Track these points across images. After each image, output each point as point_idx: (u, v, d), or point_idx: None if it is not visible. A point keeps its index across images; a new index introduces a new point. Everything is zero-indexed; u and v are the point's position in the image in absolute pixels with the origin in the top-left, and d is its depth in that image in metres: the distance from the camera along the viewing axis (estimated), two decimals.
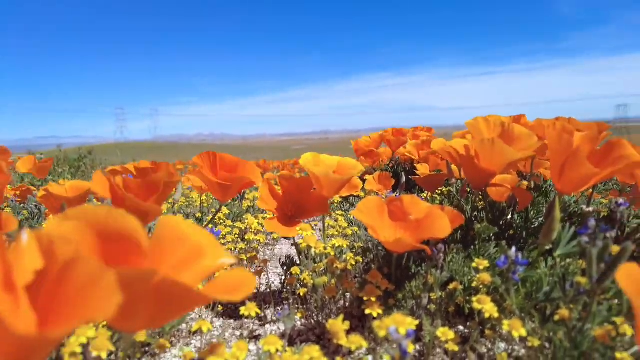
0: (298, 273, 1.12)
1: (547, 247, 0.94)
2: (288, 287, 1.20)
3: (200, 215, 1.99)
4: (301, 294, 1.11)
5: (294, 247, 1.82)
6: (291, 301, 1.21)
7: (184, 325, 1.15)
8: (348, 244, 1.27)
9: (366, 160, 3.11)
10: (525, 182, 1.35)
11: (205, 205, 2.42)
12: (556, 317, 0.88)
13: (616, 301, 0.90)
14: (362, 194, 2.50)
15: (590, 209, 1.16)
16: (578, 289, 0.83)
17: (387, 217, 0.96)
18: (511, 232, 1.17)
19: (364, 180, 2.56)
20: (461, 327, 1.14)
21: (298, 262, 1.30)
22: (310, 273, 1.13)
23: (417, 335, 1.08)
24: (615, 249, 0.99)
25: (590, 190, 1.25)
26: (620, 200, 1.04)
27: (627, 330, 0.81)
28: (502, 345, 1.11)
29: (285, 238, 2.22)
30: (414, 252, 1.11)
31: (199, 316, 1.22)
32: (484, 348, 1.08)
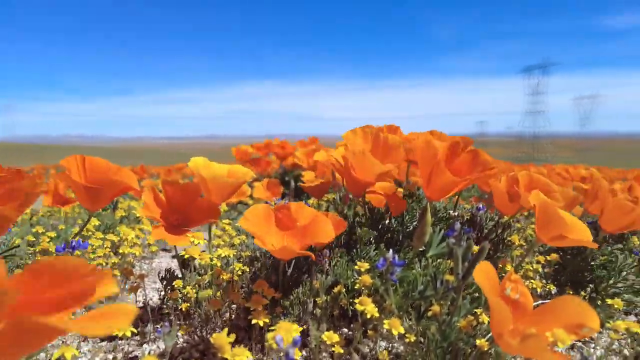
0: (180, 286, 1.06)
1: (421, 249, 1.02)
2: (169, 303, 1.12)
3: (63, 227, 1.77)
4: (183, 309, 1.04)
5: (175, 260, 1.71)
6: (173, 317, 1.14)
7: (42, 355, 1.00)
8: (235, 253, 1.23)
9: (253, 167, 3.09)
10: (401, 189, 1.46)
11: (71, 215, 2.16)
12: (429, 313, 0.96)
13: (477, 294, 1.01)
14: (251, 201, 2.47)
15: (456, 213, 1.30)
16: (447, 286, 0.92)
17: (274, 225, 0.95)
18: (389, 235, 1.25)
19: (252, 188, 2.53)
20: (346, 330, 1.18)
21: (180, 276, 1.23)
22: (194, 286, 1.07)
23: (303, 341, 1.09)
24: (476, 248, 1.12)
25: (457, 197, 1.40)
26: (480, 206, 1.18)
27: (485, 319, 0.92)
28: (383, 343, 1.17)
29: (165, 250, 2.09)
30: (301, 258, 1.13)
31: (62, 341, 1.08)
32: (366, 348, 1.13)
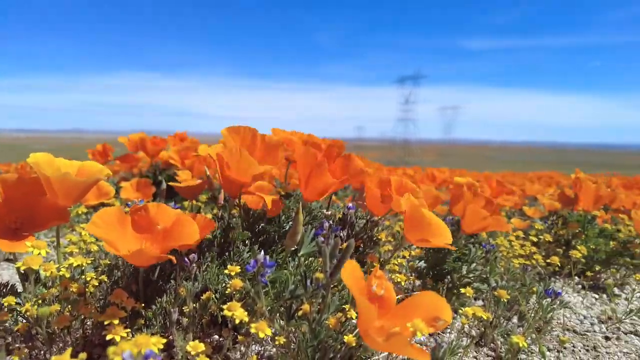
0: (13, 303, 0.90)
1: (293, 248, 1.02)
2: (6, 324, 0.95)
3: None
4: (21, 331, 0.89)
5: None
6: (9, 339, 0.97)
7: None
8: (91, 262, 1.10)
9: (122, 165, 2.82)
10: (280, 190, 1.45)
11: None
12: (300, 313, 0.95)
13: (345, 291, 1.04)
14: (117, 203, 2.25)
15: (329, 212, 1.32)
16: (317, 284, 0.93)
17: (130, 229, 0.86)
18: (265, 236, 1.23)
19: (120, 188, 2.31)
20: (217, 337, 1.13)
21: (21, 290, 1.05)
22: (36, 302, 0.92)
23: (169, 353, 1.01)
24: (345, 246, 1.15)
25: (330, 197, 1.43)
26: (350, 205, 1.23)
27: (353, 314, 0.95)
28: (257, 347, 1.15)
29: (8, 260, 1.79)
30: (167, 264, 1.05)
31: None
32: (238, 353, 1.09)
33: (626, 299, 1.79)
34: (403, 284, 1.20)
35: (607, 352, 1.33)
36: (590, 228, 1.95)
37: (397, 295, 1.09)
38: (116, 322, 0.81)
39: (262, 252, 0.88)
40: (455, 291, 1.35)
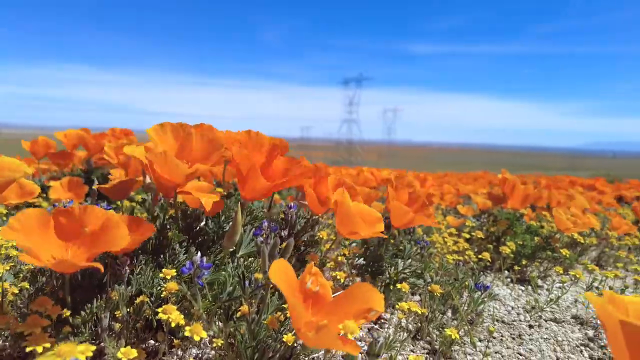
0: None
1: (232, 249, 1.00)
2: None
3: None
4: None
5: None
6: None
7: None
8: (9, 267, 1.02)
9: (56, 163, 2.63)
10: (219, 189, 1.42)
11: None
12: (238, 314, 0.94)
13: None
14: (45, 204, 2.10)
15: (271, 212, 1.32)
16: (257, 284, 0.92)
17: (53, 233, 0.81)
18: (204, 237, 1.20)
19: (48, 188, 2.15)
20: (152, 341, 1.09)
21: None
22: None
23: None
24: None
25: (272, 196, 1.43)
26: (291, 204, 1.23)
27: None
28: (195, 350, 1.12)
29: None
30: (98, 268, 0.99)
31: None
32: (175, 358, 1.06)
33: (547, 289, 1.93)
34: (343, 280, 1.22)
35: (530, 339, 1.43)
36: (518, 225, 2.09)
37: (338, 292, 1.11)
38: (38, 331, 0.76)
39: (199, 254, 0.86)
40: (392, 287, 1.40)
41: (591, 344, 1.41)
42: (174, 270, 0.93)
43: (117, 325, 0.92)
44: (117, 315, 0.92)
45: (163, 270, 0.92)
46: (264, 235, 0.88)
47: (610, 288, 1.80)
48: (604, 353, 1.36)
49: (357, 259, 1.38)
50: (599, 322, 1.58)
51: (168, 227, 1.17)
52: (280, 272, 0.68)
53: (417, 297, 1.69)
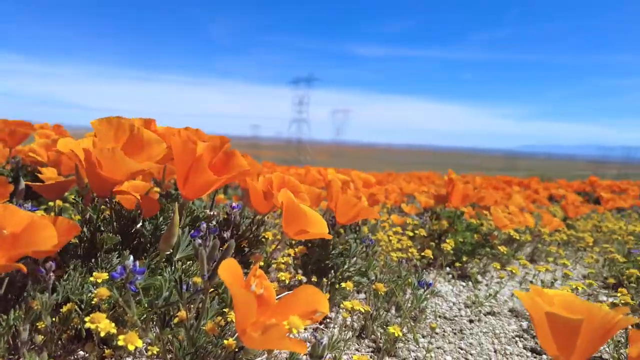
0: None
1: (169, 252, 0.96)
2: None
3: None
4: None
5: None
6: None
7: None
8: None
9: None
10: (157, 189, 1.36)
11: None
12: (176, 320, 0.90)
13: (226, 294, 1.01)
14: None
15: (213, 212, 1.27)
16: (195, 289, 0.88)
17: None
18: (140, 240, 1.14)
19: None
20: (82, 352, 1.01)
21: None
22: None
23: None
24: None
25: (214, 195, 1.38)
26: (234, 204, 1.19)
27: (233, 317, 0.92)
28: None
29: None
30: (18, 274, 0.91)
31: None
32: None
33: (487, 285, 2.02)
34: (288, 281, 1.21)
35: (470, 333, 1.48)
36: (459, 223, 2.16)
37: (283, 293, 1.09)
38: None
39: (132, 258, 0.81)
40: (337, 286, 1.40)
41: (525, 335, 1.49)
42: (106, 274, 0.87)
43: (40, 338, 0.84)
44: (39, 327, 0.85)
45: (94, 273, 0.86)
46: (203, 237, 0.85)
47: (542, 281, 1.91)
48: (536, 343, 1.43)
49: (302, 257, 1.37)
50: None
51: (102, 229, 1.09)
52: (229, 270, 0.66)
53: (362, 295, 1.70)
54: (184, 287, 0.87)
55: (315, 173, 3.35)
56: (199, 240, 0.83)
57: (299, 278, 1.33)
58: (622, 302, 1.38)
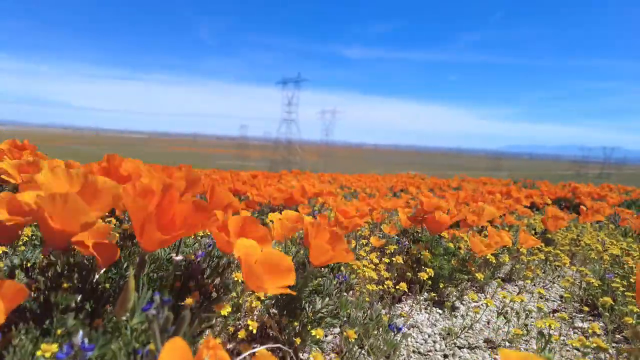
0: None
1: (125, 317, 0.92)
2: None
3: None
4: None
5: None
6: None
7: None
8: None
9: None
10: (118, 233, 1.31)
11: None
12: None
13: None
14: None
15: (180, 257, 1.23)
16: (152, 358, 0.84)
17: None
18: (99, 293, 1.09)
19: None
20: None
21: None
22: None
23: None
24: (190, 301, 1.08)
25: (180, 241, 1.34)
26: (200, 252, 1.15)
27: None
28: None
29: None
30: None
31: None
32: None
33: (463, 314, 2.01)
34: (254, 331, 1.18)
35: None
36: (437, 247, 2.15)
37: (248, 348, 1.06)
38: None
39: (80, 333, 0.77)
40: (309, 327, 1.37)
41: None
42: (55, 345, 0.83)
43: None
44: None
45: (42, 346, 0.82)
46: (156, 308, 0.81)
47: (517, 313, 1.90)
48: None
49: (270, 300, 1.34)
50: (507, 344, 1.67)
51: (54, 284, 1.05)
52: (173, 351, 0.62)
53: (337, 329, 1.68)
54: (139, 353, 0.83)
55: (297, 191, 3.31)
56: (153, 311, 0.79)
57: (268, 324, 1.30)
58: (593, 332, 1.38)
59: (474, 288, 2.38)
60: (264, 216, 3.20)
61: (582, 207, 4.18)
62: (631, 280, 2.02)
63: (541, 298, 2.35)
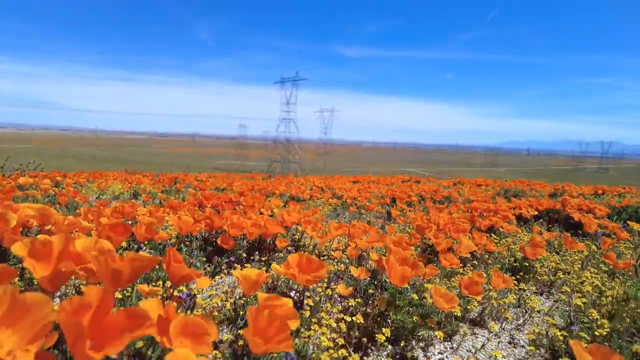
0: None
1: None
2: None
3: None
4: None
5: None
6: None
7: None
8: None
9: None
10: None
11: None
12: None
13: None
14: None
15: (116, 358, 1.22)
16: None
17: None
18: None
19: None
20: None
21: None
22: None
23: None
24: None
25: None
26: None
27: None
28: None
29: None
30: None
31: None
32: None
33: None
34: None
35: None
36: (401, 299, 2.14)
37: None
38: None
39: None
40: None
41: None
42: None
43: None
44: None
45: None
46: None
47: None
48: None
49: None
50: None
51: None
52: None
53: None
54: None
55: (273, 225, 3.29)
56: None
57: None
58: None
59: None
60: (235, 259, 3.18)
61: (565, 235, 4.16)
62: (595, 333, 2.01)
63: (510, 343, 2.34)
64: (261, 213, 4.42)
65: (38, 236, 1.39)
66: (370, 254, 2.68)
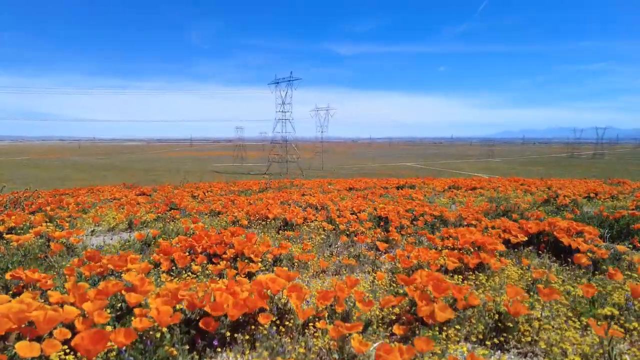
0: None
1: None
2: None
3: None
4: None
5: None
6: None
7: None
8: None
9: None
10: None
11: None
12: None
13: None
14: None
15: None
16: None
17: None
18: None
19: None
20: None
21: None
22: None
23: None
24: None
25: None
26: None
27: None
28: None
29: None
30: None
31: None
32: None
33: None
34: None
35: None
36: None
37: None
38: None
39: None
40: None
41: None
42: None
43: None
44: None
45: None
46: None
47: None
48: None
49: None
50: None
51: None
52: None
53: None
54: None
55: (253, 302, 3.30)
56: None
57: None
58: None
59: None
60: (217, 341, 3.18)
61: (551, 282, 4.15)
62: None
63: None
64: (247, 275, 4.41)
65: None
66: (358, 303, 2.70)
